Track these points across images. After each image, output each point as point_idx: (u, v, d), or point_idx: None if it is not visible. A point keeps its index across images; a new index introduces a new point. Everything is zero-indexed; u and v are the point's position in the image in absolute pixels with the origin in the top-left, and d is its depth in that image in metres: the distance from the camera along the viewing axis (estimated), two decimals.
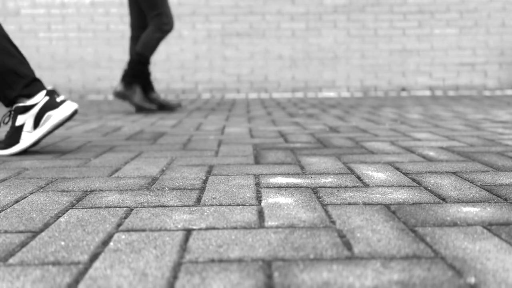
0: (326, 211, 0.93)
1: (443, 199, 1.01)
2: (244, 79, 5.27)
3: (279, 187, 1.13)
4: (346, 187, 1.12)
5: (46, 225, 0.87)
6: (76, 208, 0.97)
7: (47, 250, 0.74)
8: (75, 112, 1.64)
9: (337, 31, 5.24)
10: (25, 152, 1.66)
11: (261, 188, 1.12)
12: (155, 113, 3.16)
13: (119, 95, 3.20)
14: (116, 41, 5.21)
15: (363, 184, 1.15)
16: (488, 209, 0.93)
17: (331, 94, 5.25)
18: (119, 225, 0.86)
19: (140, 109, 3.28)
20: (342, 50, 5.26)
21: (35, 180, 1.23)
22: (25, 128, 1.60)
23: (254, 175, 1.26)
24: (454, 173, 1.25)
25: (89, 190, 1.13)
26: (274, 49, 5.25)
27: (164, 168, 1.36)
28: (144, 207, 0.98)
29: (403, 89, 5.30)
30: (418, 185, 1.13)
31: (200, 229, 0.84)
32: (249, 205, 0.98)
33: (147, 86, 3.37)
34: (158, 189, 1.12)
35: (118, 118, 2.89)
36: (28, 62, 1.64)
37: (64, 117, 1.60)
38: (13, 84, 1.61)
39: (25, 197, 1.07)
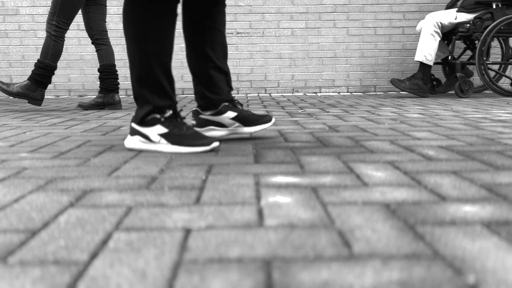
0: (326, 210, 0.93)
1: (443, 198, 1.01)
2: (243, 78, 5.27)
3: (279, 186, 1.13)
4: (345, 186, 1.12)
5: (46, 225, 0.87)
6: (76, 208, 0.97)
7: (47, 250, 0.74)
8: None
9: (337, 30, 5.24)
10: (24, 151, 1.66)
11: (260, 187, 1.12)
12: None
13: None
14: (115, 40, 5.20)
15: (363, 183, 1.15)
16: (488, 208, 0.93)
17: (331, 93, 5.25)
18: (118, 224, 0.86)
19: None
20: (341, 50, 5.26)
21: (34, 180, 1.23)
22: None
23: (254, 174, 1.26)
24: (453, 172, 1.25)
25: (88, 189, 1.13)
26: (274, 49, 5.25)
27: (164, 168, 1.36)
28: (143, 206, 0.98)
29: None
30: (417, 184, 1.13)
31: (199, 228, 0.84)
32: (249, 204, 0.98)
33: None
34: (158, 189, 1.12)
35: (118, 117, 2.89)
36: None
37: None
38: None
39: (25, 197, 1.07)
